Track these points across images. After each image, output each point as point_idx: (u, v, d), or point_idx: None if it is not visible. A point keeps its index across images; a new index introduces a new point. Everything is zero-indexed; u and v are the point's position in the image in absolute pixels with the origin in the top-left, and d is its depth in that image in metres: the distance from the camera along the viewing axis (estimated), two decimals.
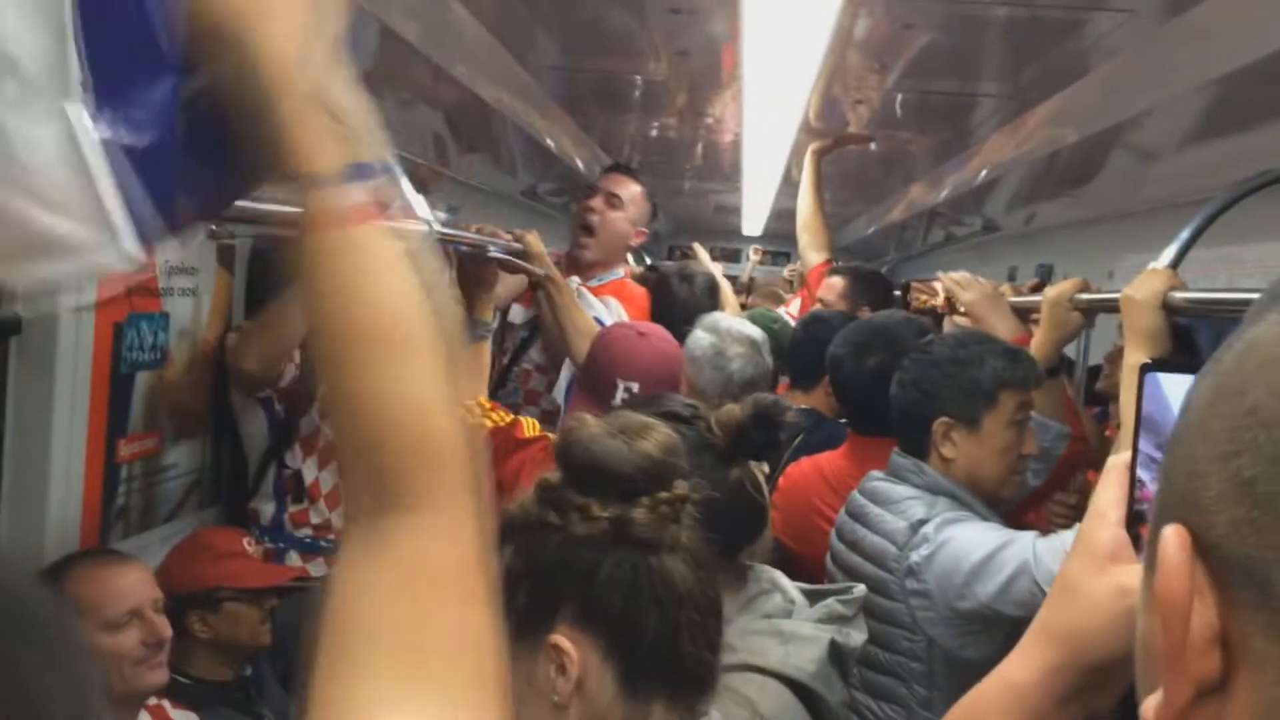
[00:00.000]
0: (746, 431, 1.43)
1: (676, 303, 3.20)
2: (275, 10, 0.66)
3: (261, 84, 0.65)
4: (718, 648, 1.05)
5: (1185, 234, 1.68)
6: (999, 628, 1.78)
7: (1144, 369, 0.64)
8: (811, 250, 3.73)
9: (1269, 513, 0.38)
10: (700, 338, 2.42)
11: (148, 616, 1.71)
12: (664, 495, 1.02)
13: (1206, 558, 0.41)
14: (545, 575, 1.01)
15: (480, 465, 0.69)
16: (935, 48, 2.26)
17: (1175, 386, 0.63)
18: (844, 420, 2.50)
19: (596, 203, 3.02)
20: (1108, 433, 2.47)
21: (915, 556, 1.78)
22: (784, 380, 3.07)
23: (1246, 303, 1.33)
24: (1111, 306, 1.80)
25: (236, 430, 2.44)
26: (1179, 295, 1.57)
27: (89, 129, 0.63)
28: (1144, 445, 0.66)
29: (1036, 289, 2.67)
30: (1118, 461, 0.72)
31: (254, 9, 0.65)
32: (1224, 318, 1.54)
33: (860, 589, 1.52)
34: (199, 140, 0.70)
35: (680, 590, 1.00)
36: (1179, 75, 1.97)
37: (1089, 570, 0.74)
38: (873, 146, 3.69)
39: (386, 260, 0.65)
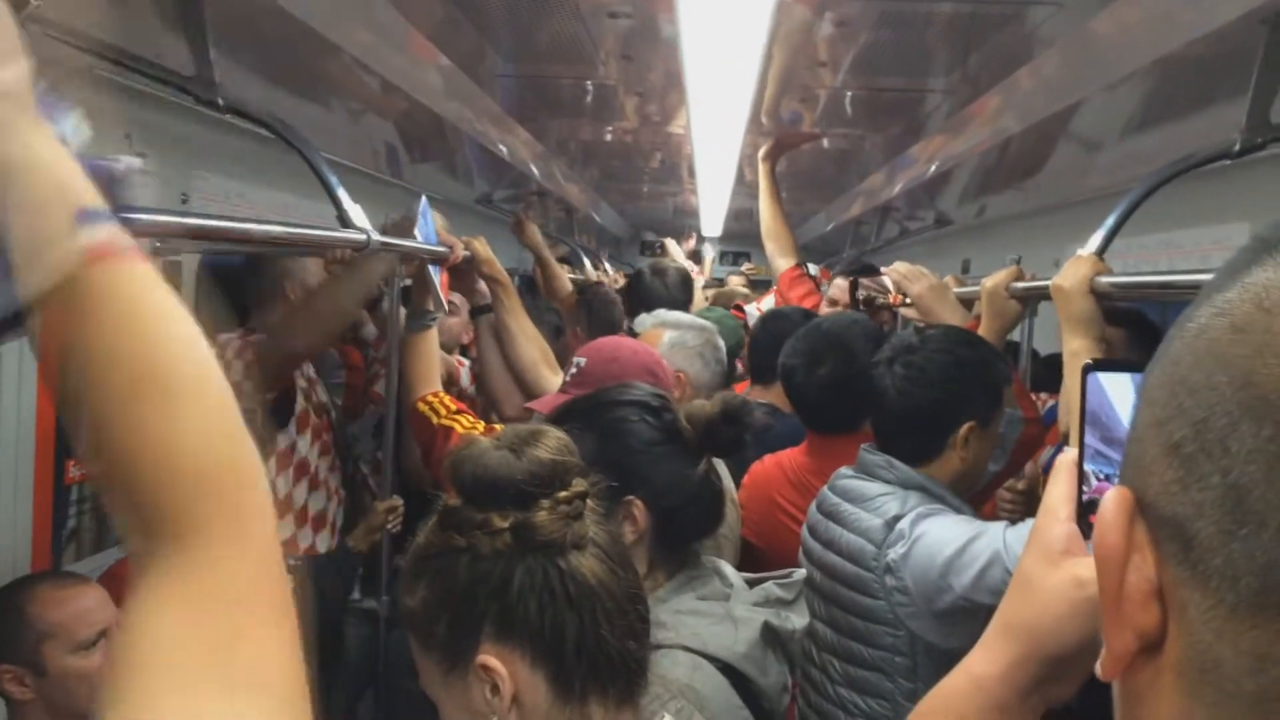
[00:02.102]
0: (715, 428, 1.45)
1: (651, 297, 3.23)
2: None
3: None
4: (642, 635, 1.06)
5: (1111, 220, 1.71)
6: (978, 618, 1.79)
7: (1085, 369, 0.67)
8: (779, 257, 3.76)
9: (1191, 472, 0.41)
10: (684, 335, 2.45)
11: (113, 634, 1.71)
12: (562, 495, 1.03)
13: (1146, 516, 0.44)
14: (461, 599, 1.01)
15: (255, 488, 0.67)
16: (875, 44, 2.28)
17: (1115, 384, 0.66)
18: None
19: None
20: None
21: (892, 554, 1.79)
22: (744, 378, 3.12)
23: (1170, 285, 1.37)
24: (1045, 294, 1.84)
25: None
26: (1106, 280, 1.60)
27: None
28: (1089, 440, 0.69)
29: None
30: (1065, 459, 0.74)
31: None
32: (1149, 300, 1.57)
33: (800, 573, 1.54)
34: None
35: (593, 585, 1.01)
36: (1111, 64, 2.01)
37: (1043, 565, 0.76)
38: (825, 144, 3.72)
39: (133, 298, 0.64)
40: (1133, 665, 0.45)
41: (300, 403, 2.51)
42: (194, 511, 0.63)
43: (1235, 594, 0.39)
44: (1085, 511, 0.73)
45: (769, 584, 1.48)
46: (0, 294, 0.68)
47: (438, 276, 2.44)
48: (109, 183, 0.73)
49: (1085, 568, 0.73)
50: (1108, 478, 0.69)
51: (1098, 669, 0.47)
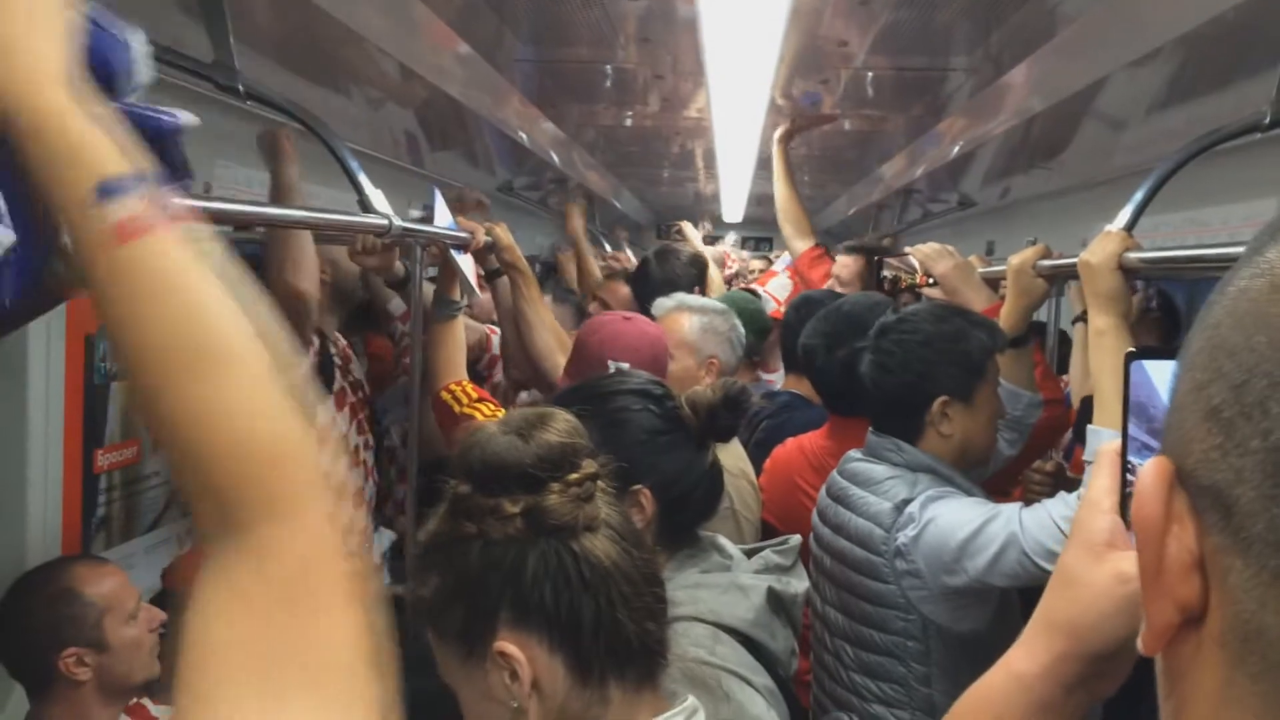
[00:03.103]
0: (717, 414, 1.45)
1: (666, 280, 3.22)
2: (24, 38, 0.63)
3: (18, 117, 0.63)
4: (660, 615, 1.05)
5: (1139, 195, 1.69)
6: (989, 600, 1.79)
7: (1129, 357, 0.66)
8: (796, 239, 3.75)
9: (1231, 437, 0.40)
10: (712, 320, 2.45)
11: (145, 606, 1.78)
12: (573, 477, 1.02)
13: (1186, 486, 0.43)
14: (475, 586, 1.00)
15: (335, 456, 0.66)
16: (896, 23, 2.26)
17: (1161, 372, 0.64)
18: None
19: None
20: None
21: (902, 537, 1.79)
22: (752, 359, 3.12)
23: (1200, 259, 1.35)
24: (1072, 272, 1.82)
25: None
26: (1134, 256, 1.58)
27: None
28: (1134, 431, 0.67)
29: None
30: (1108, 449, 0.73)
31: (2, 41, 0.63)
32: (1179, 276, 1.55)
33: (796, 539, 1.55)
34: None
35: (607, 567, 1.00)
36: (1136, 40, 1.98)
37: (1087, 560, 0.75)
38: (846, 125, 3.69)
39: (175, 272, 0.63)
40: (1174, 639, 0.44)
41: (337, 380, 2.54)
42: (237, 492, 0.62)
43: (1278, 560, 0.38)
44: (1128, 504, 0.71)
45: (766, 552, 1.50)
46: (32, 265, 0.69)
47: (468, 265, 2.45)
48: (158, 135, 0.73)
49: (1129, 562, 0.72)
50: None
51: (1138, 644, 0.46)
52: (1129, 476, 0.70)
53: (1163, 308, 2.90)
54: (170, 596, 2.00)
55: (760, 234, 9.41)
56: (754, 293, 3.72)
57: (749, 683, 1.27)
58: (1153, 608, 0.44)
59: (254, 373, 0.63)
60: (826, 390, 2.40)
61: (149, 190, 0.63)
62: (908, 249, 2.73)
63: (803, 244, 3.73)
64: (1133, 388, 0.66)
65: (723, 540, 1.50)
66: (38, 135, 0.62)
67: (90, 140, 0.63)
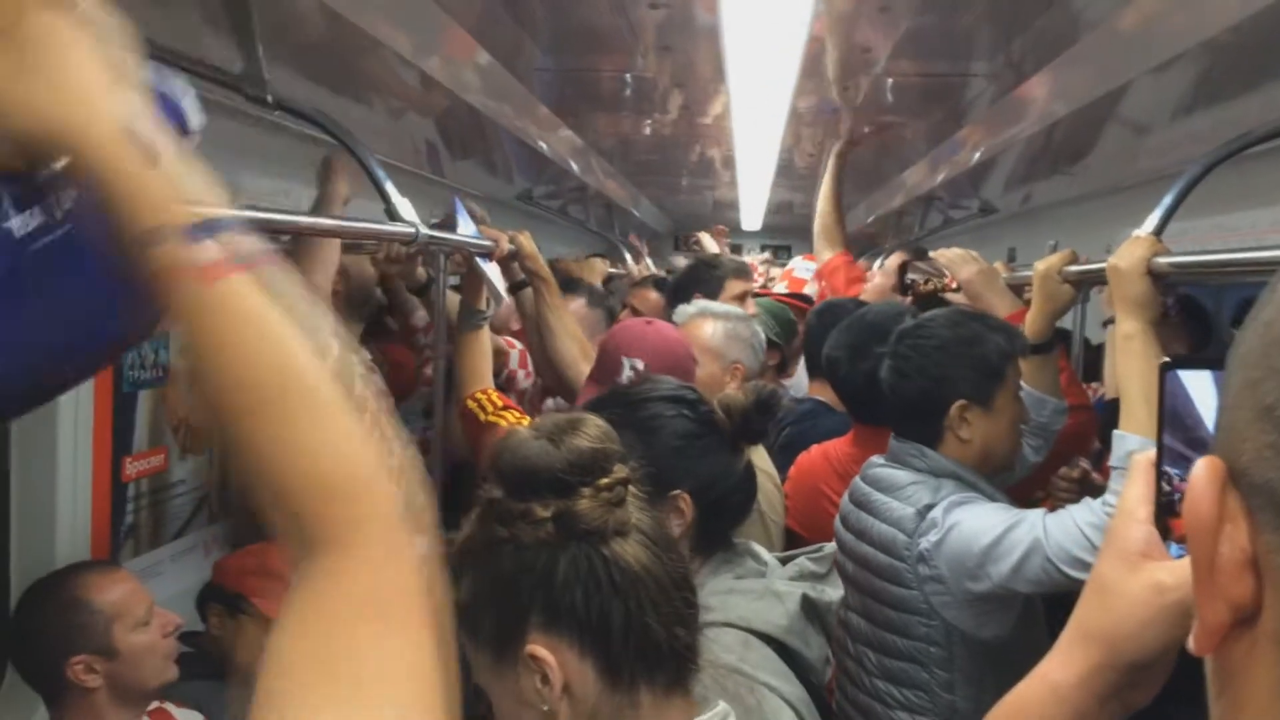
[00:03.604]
0: (750, 417, 1.46)
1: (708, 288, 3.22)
2: (79, 96, 0.65)
3: (92, 171, 0.64)
4: (690, 620, 1.05)
5: (1168, 200, 1.68)
6: (1013, 606, 1.78)
7: (1164, 367, 0.65)
8: (826, 250, 3.75)
9: None
10: (736, 327, 2.45)
11: (157, 610, 1.77)
12: (604, 482, 1.03)
13: (1238, 485, 0.43)
14: (507, 590, 1.01)
15: (416, 487, 0.68)
16: (917, 28, 2.25)
17: (1196, 382, 0.64)
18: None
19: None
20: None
21: (925, 543, 1.78)
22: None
23: (1230, 264, 1.34)
24: (1099, 278, 1.81)
25: None
26: (1164, 261, 1.58)
27: None
28: (1169, 441, 0.67)
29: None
30: (1142, 459, 0.73)
31: (57, 103, 0.64)
32: (1207, 282, 1.54)
33: (830, 546, 1.55)
34: (28, 306, 0.69)
35: (637, 571, 1.01)
36: (1164, 42, 1.97)
37: (1122, 569, 0.74)
38: (865, 130, 3.68)
39: (256, 314, 0.65)
40: (1227, 638, 0.44)
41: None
42: (313, 520, 0.64)
43: None
44: (1163, 513, 0.71)
45: (801, 559, 1.51)
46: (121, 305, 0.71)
47: (495, 272, 2.46)
48: (174, 111, 0.75)
49: (1166, 572, 0.72)
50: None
51: (1189, 643, 0.46)
52: (1164, 485, 0.70)
53: (1186, 311, 2.89)
54: (219, 592, 2.00)
55: (779, 241, 9.40)
56: (805, 297, 3.71)
57: (778, 692, 1.27)
58: (1205, 607, 0.44)
59: (330, 411, 0.66)
60: (851, 398, 2.40)
61: (230, 233, 0.66)
62: (932, 253, 2.72)
63: (831, 250, 3.73)
64: (1167, 397, 0.65)
65: (757, 547, 1.50)
66: (118, 178, 0.64)
67: (167, 187, 0.65)
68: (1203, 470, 0.44)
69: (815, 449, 2.46)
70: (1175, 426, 0.66)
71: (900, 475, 1.91)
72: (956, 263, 2.44)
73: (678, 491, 1.38)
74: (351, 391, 0.67)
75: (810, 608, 1.41)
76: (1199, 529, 0.44)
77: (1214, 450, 0.45)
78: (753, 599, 1.37)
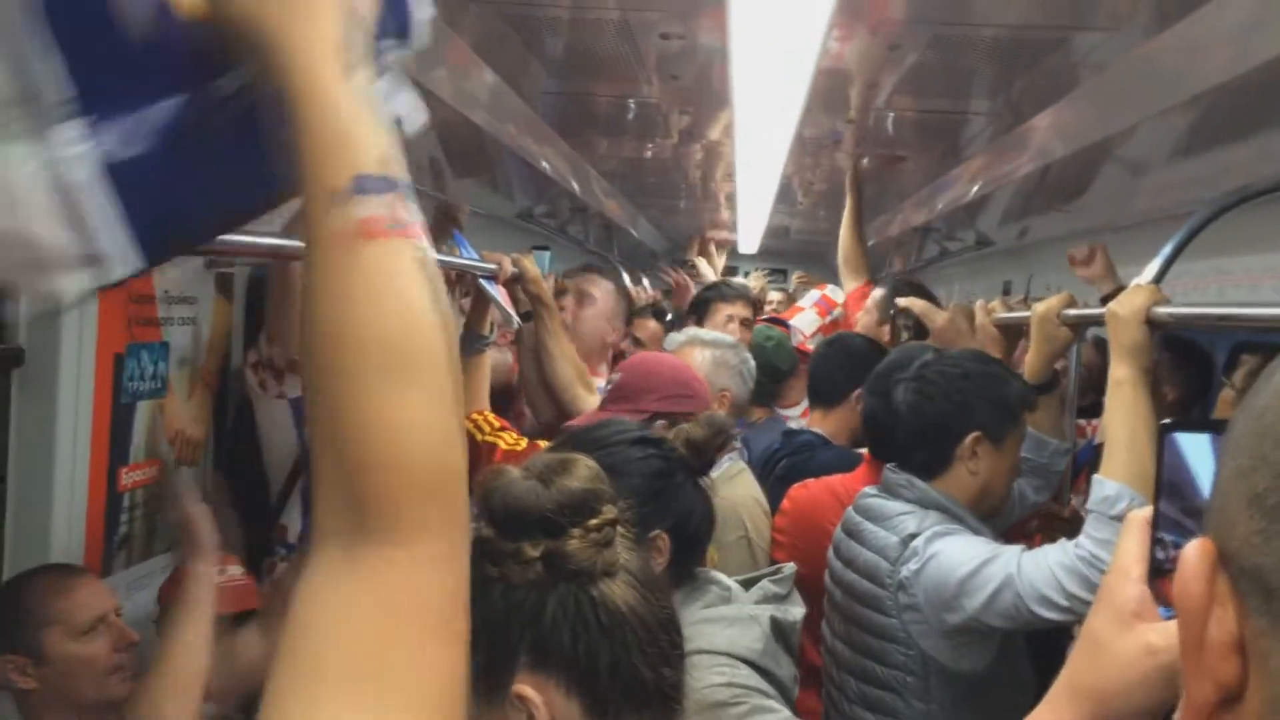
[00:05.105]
0: (707, 450, 1.49)
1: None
2: (307, 10, 0.64)
3: (288, 89, 0.63)
4: (676, 661, 1.06)
5: (1168, 249, 1.70)
6: (990, 640, 1.80)
7: (1164, 429, 0.65)
8: (850, 280, 3.78)
9: (1275, 523, 0.41)
10: (724, 354, 2.47)
11: (112, 622, 1.70)
12: (593, 523, 1.03)
13: (1228, 568, 0.44)
14: (496, 629, 1.01)
15: (466, 497, 0.66)
16: (922, 67, 2.28)
17: (1194, 446, 0.64)
18: (856, 447, 2.52)
19: (567, 302, 3.07)
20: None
21: (905, 571, 1.80)
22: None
23: (1227, 317, 1.35)
24: (1097, 321, 1.83)
25: (252, 455, 2.36)
26: (1163, 310, 1.59)
27: (71, 150, 0.63)
28: (1165, 508, 0.67)
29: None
30: (1138, 517, 0.73)
31: (284, 9, 0.63)
32: (1204, 331, 1.56)
33: (790, 567, 1.57)
34: (203, 156, 0.70)
35: (625, 613, 1.02)
36: (1165, 90, 2.00)
37: (1114, 627, 0.75)
38: (865, 162, 3.72)
39: (402, 277, 0.63)
40: (1212, 716, 0.45)
41: None
42: (379, 505, 0.61)
43: None
44: (1155, 575, 0.72)
45: (764, 582, 1.53)
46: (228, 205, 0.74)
47: (500, 294, 2.47)
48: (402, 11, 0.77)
49: (1157, 634, 0.73)
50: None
51: (1176, 719, 0.47)
52: (1158, 553, 0.71)
53: (1177, 351, 2.89)
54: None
55: (775, 265, 9.41)
56: (782, 323, 3.70)
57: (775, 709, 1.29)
58: (1193, 685, 0.45)
59: (442, 396, 0.63)
60: (874, 433, 2.36)
61: (398, 195, 0.64)
62: (901, 302, 2.76)
63: (854, 281, 3.76)
64: (1165, 461, 0.66)
65: (716, 574, 1.53)
66: (307, 112, 0.63)
67: (355, 133, 0.63)
68: (1194, 552, 0.45)
69: (815, 484, 2.41)
70: (1172, 492, 0.67)
71: (890, 505, 1.92)
72: (927, 314, 2.49)
73: (657, 532, 1.40)
74: (457, 380, 0.65)
75: (778, 629, 1.43)
76: (1189, 610, 0.45)
77: (1206, 530, 0.46)
78: (726, 625, 1.40)
